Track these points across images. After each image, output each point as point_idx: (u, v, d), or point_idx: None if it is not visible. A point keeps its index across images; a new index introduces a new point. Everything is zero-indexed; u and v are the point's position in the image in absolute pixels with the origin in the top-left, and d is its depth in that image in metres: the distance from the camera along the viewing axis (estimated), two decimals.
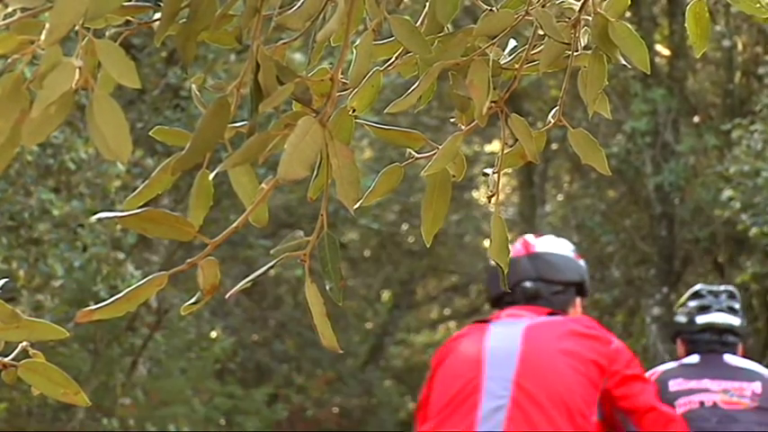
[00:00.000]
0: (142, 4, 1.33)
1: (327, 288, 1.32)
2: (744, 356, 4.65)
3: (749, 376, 4.41)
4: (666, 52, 14.15)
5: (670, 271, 13.62)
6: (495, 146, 14.08)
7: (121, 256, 8.94)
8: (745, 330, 4.68)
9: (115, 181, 8.65)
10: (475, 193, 16.79)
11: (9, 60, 1.20)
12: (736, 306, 4.63)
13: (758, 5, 1.46)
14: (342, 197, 1.31)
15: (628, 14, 11.49)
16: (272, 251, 1.34)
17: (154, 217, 1.28)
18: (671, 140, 13.21)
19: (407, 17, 1.37)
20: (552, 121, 1.49)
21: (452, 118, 1.46)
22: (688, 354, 4.62)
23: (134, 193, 1.35)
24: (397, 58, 1.47)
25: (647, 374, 4.16)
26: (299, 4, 1.32)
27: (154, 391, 11.58)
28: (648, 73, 1.52)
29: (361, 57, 1.35)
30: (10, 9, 1.20)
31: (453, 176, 1.45)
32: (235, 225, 1.34)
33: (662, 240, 13.59)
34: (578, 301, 4.07)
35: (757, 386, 4.38)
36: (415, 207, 13.52)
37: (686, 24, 1.50)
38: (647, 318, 13.17)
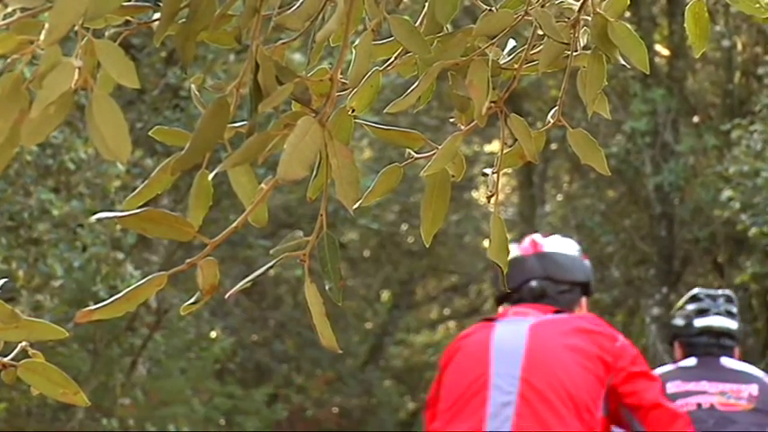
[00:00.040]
0: (142, 4, 1.33)
1: (327, 288, 1.32)
2: (741, 360, 4.68)
3: (746, 379, 4.44)
4: (666, 52, 14.15)
5: (670, 271, 13.62)
6: (494, 146, 14.08)
7: (121, 256, 8.94)
8: (741, 334, 4.72)
9: (115, 181, 8.65)
10: (474, 194, 16.79)
11: (8, 60, 1.20)
12: (734, 310, 4.67)
13: (757, 5, 1.46)
14: (341, 197, 1.31)
15: (627, 14, 11.50)
16: (271, 251, 1.34)
17: (153, 217, 1.28)
18: (670, 140, 13.21)
19: (407, 17, 1.37)
20: (552, 121, 1.49)
21: (452, 118, 1.46)
22: (685, 357, 4.65)
23: (133, 194, 1.35)
24: (396, 58, 1.47)
25: None
26: (298, 4, 1.32)
27: (153, 391, 11.58)
28: (648, 73, 1.52)
29: (360, 57, 1.35)
30: (10, 9, 1.20)
31: (453, 176, 1.45)
32: (234, 225, 1.34)
33: (661, 240, 13.60)
34: (584, 300, 4.10)
35: (754, 388, 4.40)
36: (415, 207, 13.53)
37: (685, 24, 1.50)
38: (647, 318, 13.18)
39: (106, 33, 1.31)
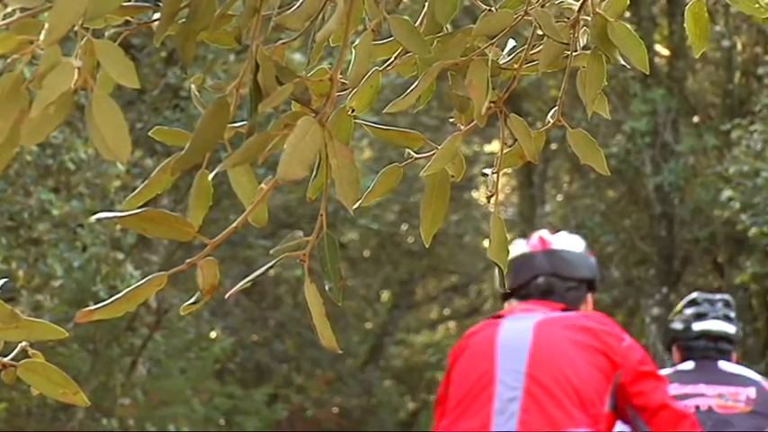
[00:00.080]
0: (141, 4, 1.33)
1: (327, 288, 1.32)
2: (739, 362, 4.71)
3: (744, 382, 4.47)
4: (666, 52, 14.16)
5: (670, 271, 13.62)
6: (494, 146, 14.08)
7: (121, 256, 8.95)
8: (739, 337, 4.75)
9: (115, 181, 8.66)
10: (474, 194, 16.80)
11: (8, 60, 1.20)
12: (732, 314, 4.71)
13: (757, 5, 1.46)
14: (341, 197, 1.31)
15: (627, 14, 11.49)
16: (271, 251, 1.34)
17: (153, 217, 1.28)
18: (670, 141, 13.21)
19: (407, 17, 1.37)
20: (551, 121, 1.49)
21: (451, 118, 1.46)
22: (683, 360, 4.67)
23: (133, 194, 1.35)
24: (396, 58, 1.47)
25: None
26: (298, 4, 1.32)
27: (153, 391, 11.59)
28: (648, 73, 1.52)
29: (360, 57, 1.35)
30: (9, 9, 1.20)
31: (452, 177, 1.45)
32: (234, 225, 1.34)
33: (661, 240, 13.60)
34: (589, 297, 4.12)
35: (752, 391, 4.43)
36: (415, 207, 13.52)
37: (685, 24, 1.50)
38: (647, 318, 13.18)
39: (106, 33, 1.31)
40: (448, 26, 1.42)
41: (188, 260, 1.31)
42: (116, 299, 1.29)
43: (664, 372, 4.61)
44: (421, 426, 17.86)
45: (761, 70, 12.61)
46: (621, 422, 3.87)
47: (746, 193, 10.67)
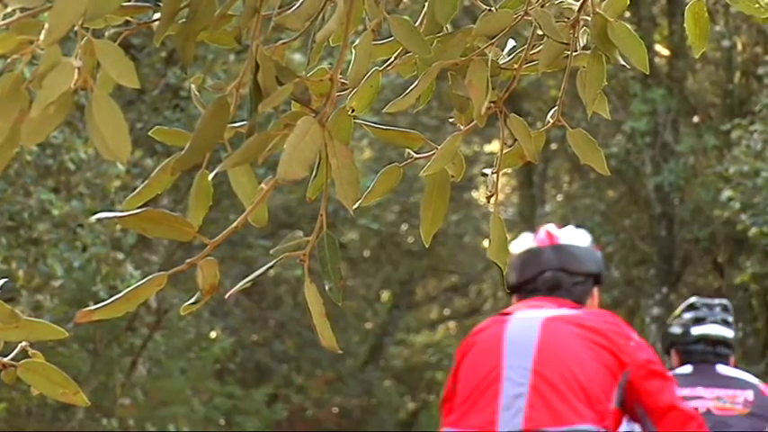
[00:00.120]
0: (141, 4, 1.33)
1: (327, 288, 1.32)
2: (736, 367, 4.74)
3: (741, 385, 4.51)
4: (666, 52, 14.16)
5: (670, 271, 13.62)
6: (494, 146, 14.08)
7: (121, 256, 8.95)
8: (737, 342, 4.79)
9: (115, 181, 8.66)
10: (474, 194, 16.80)
11: (8, 60, 1.20)
12: (730, 319, 4.75)
13: (757, 5, 1.46)
14: (341, 197, 1.31)
15: (627, 14, 11.49)
16: (271, 251, 1.34)
17: (153, 217, 1.28)
18: (670, 140, 13.21)
19: (407, 17, 1.37)
20: (551, 121, 1.49)
21: (451, 118, 1.46)
22: (682, 364, 4.70)
23: (133, 194, 1.35)
24: (396, 58, 1.47)
25: None
26: (298, 4, 1.32)
27: (153, 391, 11.59)
28: (648, 73, 1.52)
29: (360, 57, 1.35)
30: (9, 9, 1.20)
31: (452, 177, 1.45)
32: (234, 225, 1.34)
33: (662, 240, 13.60)
34: (595, 290, 4.14)
35: (750, 394, 4.47)
36: (415, 207, 13.53)
37: (685, 24, 1.50)
38: (647, 318, 13.18)
39: (106, 33, 1.31)
40: (448, 26, 1.42)
41: (188, 260, 1.31)
42: (116, 299, 1.29)
43: None
44: (421, 426, 17.86)
45: (761, 70, 12.61)
46: (630, 421, 3.89)
47: (746, 193, 10.67)
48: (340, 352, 1.41)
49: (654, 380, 3.81)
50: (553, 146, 14.25)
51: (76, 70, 1.15)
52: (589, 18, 1.43)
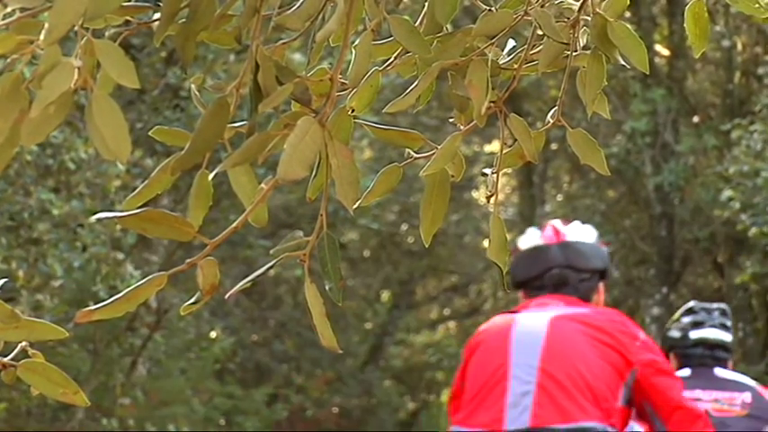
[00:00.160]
0: (142, 4, 1.33)
1: (327, 288, 1.32)
2: (734, 370, 4.79)
3: (739, 387, 4.56)
4: (666, 52, 14.16)
5: (670, 271, 13.62)
6: (494, 146, 14.08)
7: (121, 256, 8.95)
8: (734, 346, 4.84)
9: (115, 181, 8.66)
10: (474, 194, 16.80)
11: (8, 60, 1.20)
12: (728, 323, 4.81)
13: (757, 5, 1.46)
14: (341, 197, 1.31)
15: (627, 14, 11.49)
16: (271, 251, 1.34)
17: (153, 217, 1.28)
18: (670, 140, 13.21)
19: (407, 17, 1.37)
20: (551, 121, 1.49)
21: (451, 118, 1.46)
22: (680, 368, 4.74)
23: (133, 194, 1.35)
24: (396, 58, 1.47)
25: None
26: (298, 4, 1.32)
27: (153, 391, 11.58)
28: (648, 73, 1.52)
29: (360, 57, 1.35)
30: (9, 9, 1.20)
31: (452, 176, 1.45)
32: (234, 225, 1.34)
33: (661, 240, 13.60)
34: (601, 285, 4.15)
35: (747, 396, 4.52)
36: (415, 207, 13.53)
37: (685, 24, 1.50)
38: (647, 318, 13.17)
39: (106, 33, 1.31)
40: (448, 26, 1.42)
41: (188, 260, 1.31)
42: (116, 299, 1.29)
43: None
44: (421, 426, 17.87)
45: (761, 70, 12.61)
46: (638, 419, 3.91)
47: (746, 193, 10.68)
48: (340, 352, 1.41)
49: (661, 378, 3.84)
50: (553, 146, 14.26)
51: (76, 70, 1.15)
52: (589, 18, 1.43)
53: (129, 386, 10.86)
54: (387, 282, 18.05)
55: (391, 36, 1.38)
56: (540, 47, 1.45)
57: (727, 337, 4.75)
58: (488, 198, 1.47)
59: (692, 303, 4.94)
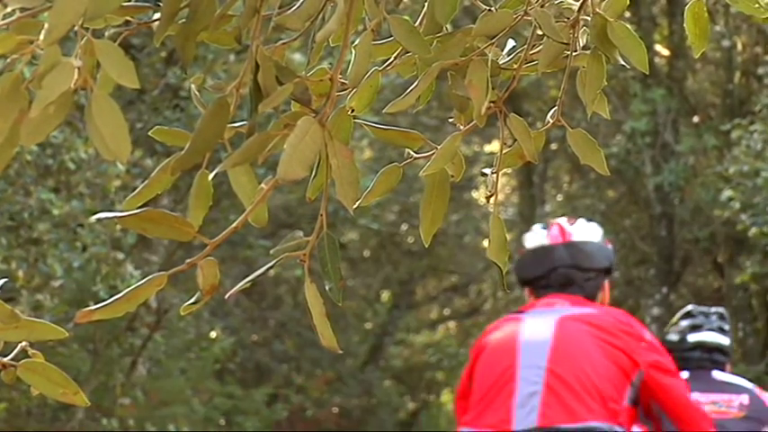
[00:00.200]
0: (142, 4, 1.33)
1: (327, 288, 1.32)
2: (731, 373, 4.83)
3: (737, 389, 4.60)
4: (666, 52, 14.16)
5: (670, 271, 13.62)
6: (494, 146, 14.08)
7: (121, 256, 8.95)
8: (732, 350, 4.89)
9: (115, 181, 8.66)
10: (474, 194, 16.80)
11: (8, 60, 1.20)
12: (726, 327, 4.85)
13: (757, 5, 1.46)
14: (341, 197, 1.31)
15: (627, 14, 11.49)
16: (271, 251, 1.34)
17: (153, 217, 1.28)
18: (670, 141, 13.21)
19: (406, 17, 1.37)
20: (551, 122, 1.49)
21: (451, 118, 1.46)
22: (679, 370, 4.76)
23: (133, 194, 1.35)
24: (396, 58, 1.47)
25: None
26: (298, 4, 1.32)
27: (153, 391, 11.58)
28: (648, 73, 1.52)
29: (360, 57, 1.35)
30: (9, 9, 1.20)
31: (452, 176, 1.45)
32: (234, 225, 1.34)
33: (662, 240, 13.60)
34: (606, 282, 4.17)
35: (745, 398, 4.56)
36: (415, 207, 13.53)
37: (685, 24, 1.50)
38: (647, 318, 13.17)
39: (106, 33, 1.31)
40: (448, 26, 1.42)
41: (188, 260, 1.31)
42: (116, 299, 1.29)
43: None
44: (421, 426, 17.87)
45: (761, 70, 12.61)
46: (646, 419, 3.93)
47: (746, 193, 10.67)
48: (340, 352, 1.41)
49: (667, 378, 3.87)
50: (553, 146, 14.25)
51: (76, 70, 1.15)
52: (589, 18, 1.43)
53: (129, 386, 10.86)
54: (387, 282, 18.05)
55: (391, 36, 1.38)
56: (540, 47, 1.45)
57: (724, 340, 4.80)
58: (488, 198, 1.47)
59: (690, 307, 4.99)
